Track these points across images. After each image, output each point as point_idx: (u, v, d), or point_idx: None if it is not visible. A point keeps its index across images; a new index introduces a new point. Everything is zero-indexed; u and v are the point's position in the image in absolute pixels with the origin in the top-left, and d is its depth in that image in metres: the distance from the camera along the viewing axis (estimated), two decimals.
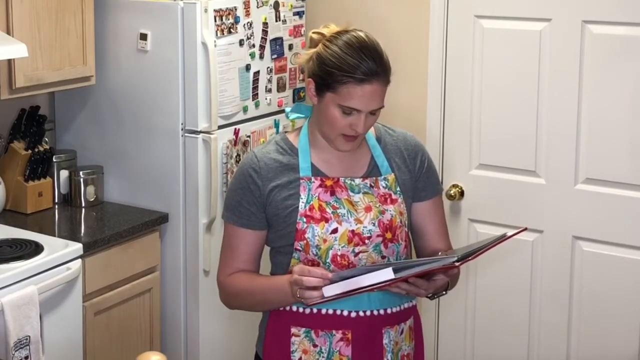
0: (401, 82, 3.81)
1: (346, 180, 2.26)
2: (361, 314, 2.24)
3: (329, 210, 2.23)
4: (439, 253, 2.31)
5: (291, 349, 2.27)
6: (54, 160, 3.66)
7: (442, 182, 3.75)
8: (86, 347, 3.27)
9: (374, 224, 2.24)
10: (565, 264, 3.55)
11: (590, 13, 3.37)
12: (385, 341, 2.27)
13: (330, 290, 2.09)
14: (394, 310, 2.28)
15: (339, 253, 2.22)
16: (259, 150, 2.32)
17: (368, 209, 2.25)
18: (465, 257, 2.08)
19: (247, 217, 2.27)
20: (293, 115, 2.38)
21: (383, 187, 2.28)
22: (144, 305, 3.53)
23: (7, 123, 3.63)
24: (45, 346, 3.04)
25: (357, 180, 2.27)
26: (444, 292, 2.25)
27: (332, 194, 2.25)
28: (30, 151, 3.57)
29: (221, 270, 2.34)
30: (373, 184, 2.28)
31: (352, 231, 2.22)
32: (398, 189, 2.30)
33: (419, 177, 2.35)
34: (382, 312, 2.26)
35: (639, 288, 3.42)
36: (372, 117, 2.20)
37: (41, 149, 3.60)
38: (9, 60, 3.19)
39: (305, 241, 2.22)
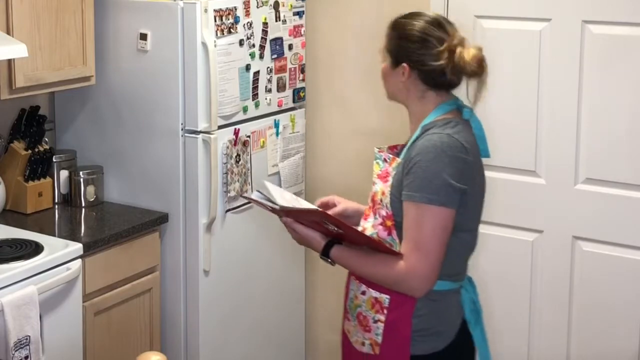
0: None
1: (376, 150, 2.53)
2: None
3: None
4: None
5: None
6: (54, 160, 3.65)
7: None
8: (86, 347, 3.27)
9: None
10: (565, 264, 3.55)
11: (590, 13, 3.37)
12: (350, 286, 2.51)
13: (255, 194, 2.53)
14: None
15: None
16: None
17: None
18: (284, 207, 2.39)
19: None
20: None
21: (393, 167, 2.42)
22: (144, 305, 3.53)
23: (7, 123, 3.63)
24: (45, 346, 3.04)
25: (376, 150, 2.51)
26: (326, 259, 2.43)
27: None
28: (30, 151, 3.57)
29: None
30: (388, 160, 2.45)
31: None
32: (394, 174, 2.40)
33: (404, 177, 2.36)
34: None
35: (639, 288, 3.42)
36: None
37: (41, 149, 3.60)
38: (9, 60, 3.19)
39: None
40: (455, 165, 2.31)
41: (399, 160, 2.41)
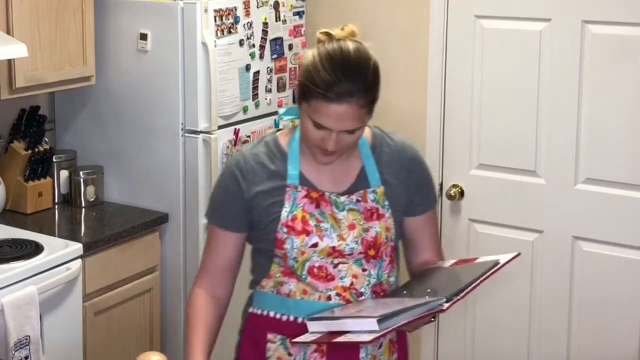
0: (401, 82, 3.81)
1: (331, 196, 2.17)
2: None
3: (312, 222, 2.15)
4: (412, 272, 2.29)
5: (266, 355, 2.23)
6: (54, 160, 3.65)
7: (442, 182, 3.76)
8: (86, 347, 3.27)
9: (356, 242, 2.16)
10: (565, 264, 3.55)
11: (590, 13, 3.37)
12: (362, 355, 2.20)
13: (314, 326, 2.06)
14: None
15: (316, 265, 2.16)
16: (249, 151, 2.22)
17: (351, 227, 2.16)
18: (455, 296, 1.98)
19: (230, 218, 2.22)
20: (286, 117, 2.32)
21: (371, 200, 2.19)
22: (144, 305, 3.53)
23: (7, 123, 3.63)
24: (45, 346, 3.04)
25: (343, 198, 2.17)
26: (432, 319, 2.13)
27: (317, 206, 2.16)
28: (30, 151, 3.57)
29: (198, 275, 2.29)
30: (360, 198, 2.19)
31: (333, 247, 2.15)
32: (386, 203, 2.20)
33: (415, 192, 2.26)
34: None
35: (639, 288, 3.42)
36: (348, 136, 2.08)
37: (41, 149, 3.60)
38: (9, 60, 3.19)
39: (283, 251, 2.16)
40: None
41: (379, 188, 2.20)
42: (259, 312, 2.25)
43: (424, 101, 3.76)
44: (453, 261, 2.27)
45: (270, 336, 2.22)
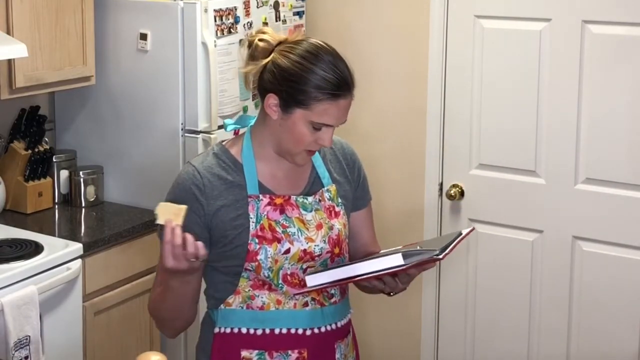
0: (401, 82, 3.81)
1: (298, 199, 2.17)
2: (316, 330, 2.18)
3: (278, 229, 2.13)
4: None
5: None
6: (54, 160, 3.66)
7: (442, 182, 3.76)
8: (86, 347, 3.27)
9: (324, 242, 2.17)
10: (565, 264, 3.55)
11: (590, 13, 3.37)
12: (337, 355, 2.24)
13: (314, 280, 2.10)
14: (343, 323, 2.25)
15: (288, 272, 2.14)
16: (200, 164, 2.15)
17: (319, 227, 2.17)
18: (444, 251, 2.05)
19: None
20: (231, 128, 2.29)
21: (327, 199, 2.21)
22: (144, 305, 3.51)
23: (7, 123, 3.63)
24: (45, 346, 3.04)
25: (310, 199, 2.18)
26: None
27: (282, 212, 2.14)
28: (30, 151, 3.57)
29: (150, 296, 2.21)
30: (321, 198, 2.20)
31: (304, 250, 2.14)
32: (339, 200, 2.23)
33: (357, 187, 2.31)
34: (334, 326, 2.22)
35: (639, 288, 3.42)
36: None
37: (41, 149, 3.60)
38: (9, 60, 3.19)
39: (257, 263, 2.12)
40: None
41: (331, 187, 2.23)
42: (228, 330, 2.18)
43: (424, 101, 3.76)
44: (400, 247, 2.29)
45: (245, 353, 2.17)
